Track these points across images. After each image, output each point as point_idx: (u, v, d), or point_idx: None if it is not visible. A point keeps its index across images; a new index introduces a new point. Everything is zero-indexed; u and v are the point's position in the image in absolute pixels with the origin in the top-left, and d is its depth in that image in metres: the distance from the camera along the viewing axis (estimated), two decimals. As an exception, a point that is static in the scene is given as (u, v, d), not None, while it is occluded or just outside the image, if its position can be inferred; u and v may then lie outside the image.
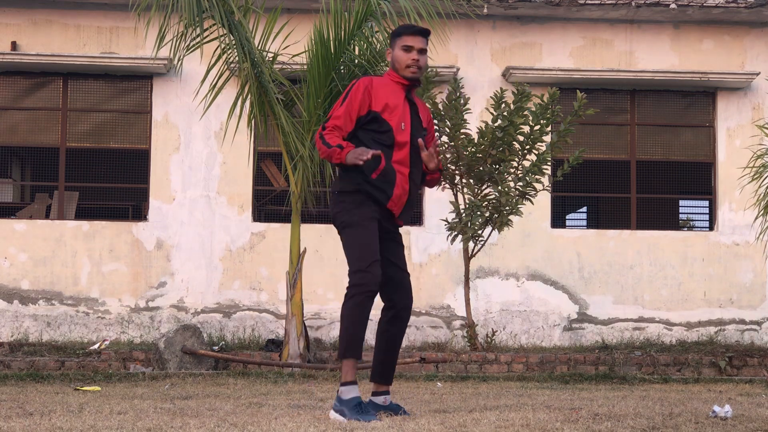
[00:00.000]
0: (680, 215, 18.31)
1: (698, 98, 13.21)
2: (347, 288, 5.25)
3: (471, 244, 10.84)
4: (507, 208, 10.42)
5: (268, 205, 13.55)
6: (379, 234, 5.30)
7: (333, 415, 5.18)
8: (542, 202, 12.24)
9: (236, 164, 12.41)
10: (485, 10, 12.15)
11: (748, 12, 12.70)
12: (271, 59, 9.85)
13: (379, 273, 5.19)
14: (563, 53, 12.96)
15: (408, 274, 5.46)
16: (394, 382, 8.89)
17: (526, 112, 10.45)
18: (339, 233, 5.35)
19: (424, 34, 5.34)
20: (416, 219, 12.87)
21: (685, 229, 17.74)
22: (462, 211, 10.61)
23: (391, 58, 5.38)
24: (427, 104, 5.60)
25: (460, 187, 10.79)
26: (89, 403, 6.27)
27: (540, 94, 11.15)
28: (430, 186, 5.70)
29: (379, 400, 5.45)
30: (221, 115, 11.79)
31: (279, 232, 12.21)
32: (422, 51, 5.31)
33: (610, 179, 14.20)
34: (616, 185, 14.15)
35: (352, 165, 5.10)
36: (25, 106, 12.79)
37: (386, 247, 5.36)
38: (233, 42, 9.45)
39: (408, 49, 5.28)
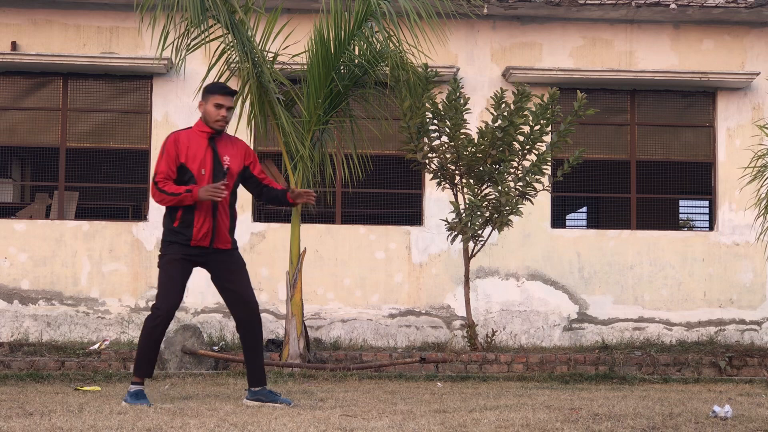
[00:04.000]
0: (680, 215, 18.32)
1: (698, 98, 13.21)
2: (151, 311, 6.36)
3: (471, 244, 10.84)
4: (507, 208, 10.42)
5: (268, 205, 13.54)
6: (209, 266, 6.45)
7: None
8: (542, 202, 12.24)
9: (236, 164, 12.39)
10: (485, 10, 12.15)
11: (748, 12, 12.70)
12: (271, 59, 9.84)
13: (171, 307, 6.32)
14: (563, 53, 12.96)
15: (248, 284, 6.51)
16: (394, 382, 8.90)
17: (526, 112, 10.45)
18: None
19: (233, 94, 6.55)
20: (416, 219, 12.87)
21: (685, 229, 17.74)
22: (462, 211, 10.61)
23: (203, 111, 6.46)
24: (240, 140, 6.60)
25: (460, 187, 10.79)
26: (89, 403, 6.26)
27: (540, 94, 11.16)
28: (291, 202, 6.74)
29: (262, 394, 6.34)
30: (221, 115, 11.77)
31: (279, 232, 12.21)
32: (229, 108, 6.50)
33: (610, 179, 14.20)
34: (616, 185, 14.15)
35: (206, 200, 6.23)
36: (25, 106, 12.78)
37: (218, 276, 6.48)
38: (234, 42, 9.45)
39: (219, 106, 6.41)
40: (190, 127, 6.57)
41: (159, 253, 6.48)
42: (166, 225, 6.45)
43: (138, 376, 6.39)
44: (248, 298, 6.44)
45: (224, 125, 6.47)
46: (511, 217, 10.61)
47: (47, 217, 12.94)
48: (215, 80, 9.71)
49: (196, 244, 6.36)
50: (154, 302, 6.39)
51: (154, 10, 9.14)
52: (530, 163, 10.63)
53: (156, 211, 12.31)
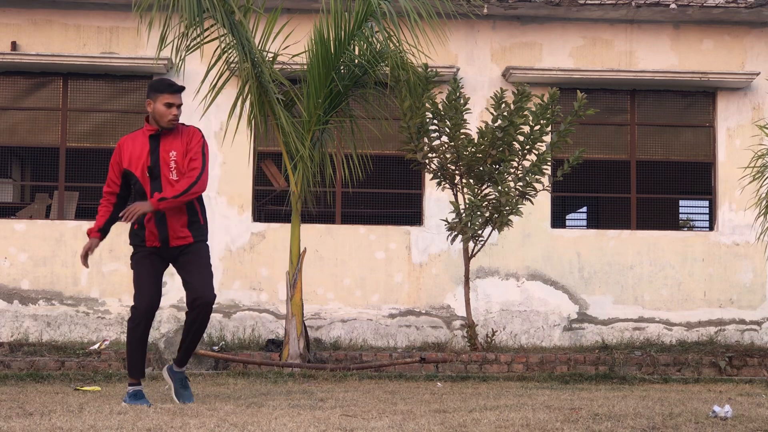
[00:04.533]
0: (680, 215, 18.31)
1: (698, 98, 13.21)
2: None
3: (471, 244, 10.84)
4: (507, 208, 10.42)
5: (268, 205, 13.54)
6: (175, 263, 6.52)
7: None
8: (542, 202, 12.24)
9: (236, 164, 12.41)
10: (485, 10, 12.15)
11: (748, 12, 12.70)
12: (271, 59, 9.84)
13: (147, 304, 6.36)
14: (563, 53, 12.96)
15: (199, 275, 6.47)
16: (394, 382, 8.91)
17: (526, 112, 10.45)
18: None
19: (182, 90, 6.40)
20: (416, 219, 12.87)
21: (685, 229, 17.74)
22: (462, 211, 10.61)
23: (151, 110, 6.33)
24: (188, 127, 6.43)
25: (460, 187, 10.79)
26: (89, 403, 6.26)
27: (540, 94, 11.16)
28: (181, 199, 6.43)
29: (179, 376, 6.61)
30: (221, 115, 11.78)
31: (279, 232, 12.21)
32: (179, 106, 6.36)
33: (610, 179, 14.20)
34: (616, 185, 14.15)
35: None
36: (25, 106, 12.78)
37: (179, 269, 6.52)
38: (233, 42, 9.45)
39: (169, 105, 6.30)
40: (141, 129, 6.50)
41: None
42: (131, 232, 6.55)
43: (132, 377, 6.43)
44: (200, 292, 6.39)
45: (176, 123, 6.39)
46: (511, 217, 10.61)
47: (47, 217, 12.94)
48: (215, 80, 9.72)
49: (151, 245, 6.43)
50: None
51: (152, 10, 9.13)
52: (530, 163, 10.63)
53: (156, 211, 12.31)
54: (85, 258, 6.49)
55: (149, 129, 6.39)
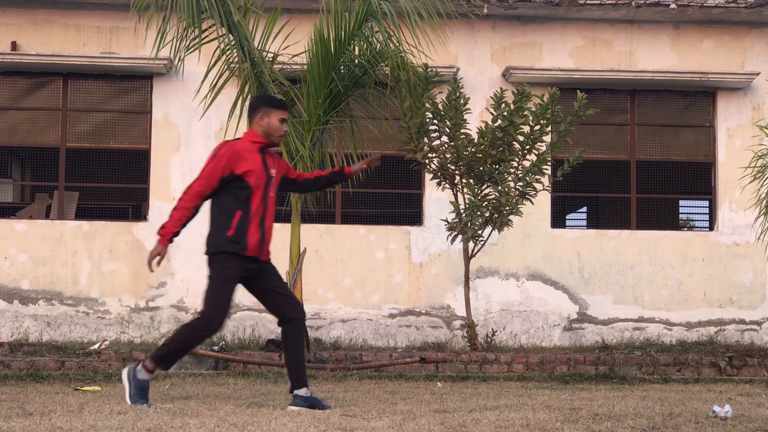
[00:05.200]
0: (680, 215, 18.31)
1: (698, 98, 13.21)
2: (199, 317, 6.29)
3: (471, 244, 10.84)
4: (507, 208, 10.42)
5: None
6: (254, 275, 6.33)
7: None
8: (542, 202, 12.24)
9: (236, 164, 12.39)
10: (485, 10, 12.15)
11: (748, 12, 12.70)
12: (271, 59, 9.84)
13: (219, 325, 6.23)
14: (563, 53, 12.96)
15: (290, 292, 6.44)
16: (394, 382, 8.90)
17: (526, 112, 10.45)
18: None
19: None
20: (416, 219, 12.87)
21: (685, 229, 17.74)
22: (462, 211, 10.60)
23: (265, 124, 6.37)
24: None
25: (460, 187, 10.79)
26: (89, 403, 6.26)
27: (540, 94, 11.15)
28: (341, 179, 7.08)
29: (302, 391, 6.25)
30: (221, 115, 11.78)
31: (279, 232, 12.11)
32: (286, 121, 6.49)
33: (610, 179, 14.20)
34: (616, 185, 14.15)
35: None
36: (25, 106, 12.78)
37: (267, 281, 6.37)
38: (233, 42, 9.45)
39: (282, 121, 6.41)
40: (238, 139, 6.42)
41: (211, 262, 6.23)
42: (217, 233, 6.21)
43: (156, 364, 6.24)
44: (293, 298, 6.40)
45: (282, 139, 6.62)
46: (511, 217, 10.60)
47: (47, 217, 12.94)
48: (215, 80, 9.72)
49: (250, 255, 6.20)
50: (203, 309, 6.22)
51: (151, 10, 9.13)
52: (530, 163, 10.62)
53: (156, 211, 12.32)
54: (157, 264, 6.21)
55: (260, 141, 6.36)
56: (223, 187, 6.20)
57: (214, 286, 6.19)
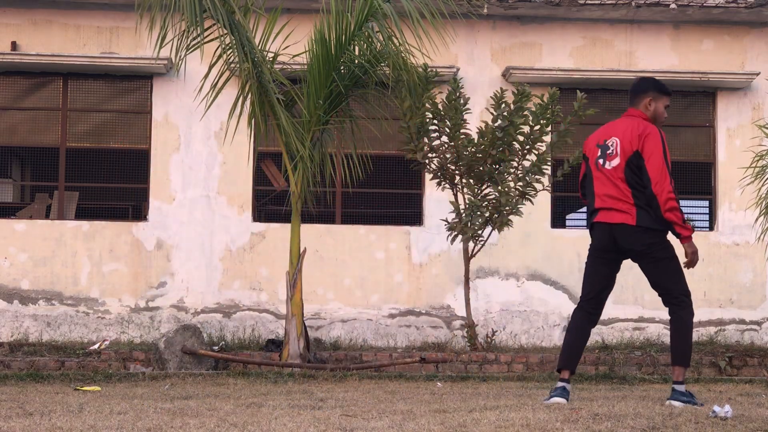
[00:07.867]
0: (680, 215, 18.28)
1: (698, 98, 13.20)
2: (684, 301, 6.41)
3: (471, 244, 10.84)
4: (507, 208, 10.42)
5: (268, 205, 13.54)
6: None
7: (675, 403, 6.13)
8: (542, 202, 12.23)
9: (236, 164, 12.41)
10: (485, 10, 12.15)
11: (748, 12, 12.70)
12: (271, 59, 9.85)
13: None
14: (563, 53, 12.96)
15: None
16: (394, 382, 8.90)
17: (526, 112, 10.45)
18: (655, 261, 6.67)
19: None
20: (416, 219, 12.87)
21: (685, 229, 17.71)
22: (462, 211, 10.61)
23: (653, 108, 6.71)
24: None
25: (460, 187, 10.79)
26: (89, 403, 6.26)
27: (540, 94, 11.15)
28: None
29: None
30: (221, 115, 11.78)
31: (279, 232, 12.20)
32: None
33: (610, 179, 14.15)
34: (616, 185, 14.11)
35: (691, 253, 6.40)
36: (25, 106, 12.78)
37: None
38: (234, 42, 9.45)
39: (667, 108, 6.76)
40: (635, 118, 6.67)
41: (654, 241, 6.57)
42: (651, 215, 6.54)
43: (684, 367, 6.28)
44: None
45: None
46: (511, 217, 10.61)
47: (47, 217, 12.93)
48: (215, 80, 9.73)
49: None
50: (680, 290, 6.45)
51: (153, 10, 9.13)
52: (530, 163, 10.63)
53: (155, 211, 12.32)
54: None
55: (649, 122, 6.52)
56: (630, 166, 6.51)
57: (676, 263, 6.52)
